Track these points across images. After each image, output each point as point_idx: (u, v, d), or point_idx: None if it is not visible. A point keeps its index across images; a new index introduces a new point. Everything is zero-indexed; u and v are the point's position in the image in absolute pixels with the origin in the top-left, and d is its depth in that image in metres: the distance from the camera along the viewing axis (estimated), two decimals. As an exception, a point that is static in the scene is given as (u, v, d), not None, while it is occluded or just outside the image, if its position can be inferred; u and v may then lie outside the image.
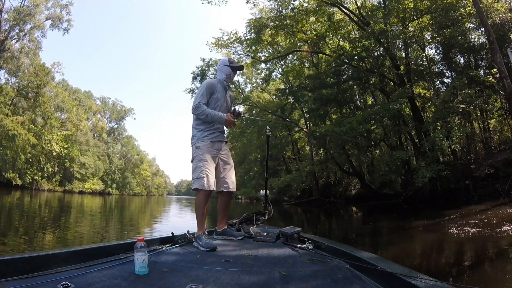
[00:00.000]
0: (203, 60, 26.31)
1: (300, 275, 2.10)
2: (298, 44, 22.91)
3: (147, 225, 12.55)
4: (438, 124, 14.72)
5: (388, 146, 20.70)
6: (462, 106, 13.46)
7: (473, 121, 17.32)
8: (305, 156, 32.21)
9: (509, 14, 14.66)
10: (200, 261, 2.48)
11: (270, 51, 24.96)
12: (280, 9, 20.07)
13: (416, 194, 15.35)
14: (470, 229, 7.58)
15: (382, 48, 17.24)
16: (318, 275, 2.10)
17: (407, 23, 16.36)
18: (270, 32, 22.03)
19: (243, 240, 3.53)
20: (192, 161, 3.47)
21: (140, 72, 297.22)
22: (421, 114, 17.31)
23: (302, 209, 22.24)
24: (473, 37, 15.93)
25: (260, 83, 30.51)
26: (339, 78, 19.30)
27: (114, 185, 66.91)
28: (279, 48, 24.66)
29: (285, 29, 20.96)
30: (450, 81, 16.89)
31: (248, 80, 30.56)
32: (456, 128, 13.40)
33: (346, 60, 18.52)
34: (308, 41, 21.31)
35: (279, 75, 28.74)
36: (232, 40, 22.91)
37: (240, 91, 29.37)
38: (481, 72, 15.06)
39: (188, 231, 3.30)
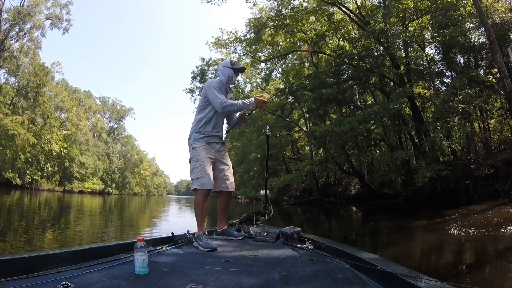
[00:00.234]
0: (203, 59, 26.31)
1: (300, 275, 2.10)
2: (298, 43, 22.90)
3: (147, 225, 12.55)
4: (438, 124, 14.72)
5: (388, 146, 20.71)
6: (462, 105, 13.45)
7: (473, 121, 17.32)
8: (305, 156, 32.22)
9: (509, 14, 14.66)
10: (200, 261, 2.48)
11: (270, 50, 24.94)
12: (280, 8, 20.06)
13: (416, 194, 15.34)
14: (470, 229, 7.59)
15: (382, 47, 17.23)
16: (318, 275, 2.10)
17: (407, 22, 16.35)
18: (270, 31, 22.01)
19: (243, 240, 3.53)
20: (189, 162, 3.49)
21: (140, 72, 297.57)
22: (421, 114, 17.30)
23: (301, 209, 22.23)
24: (473, 36, 15.95)
25: (260, 82, 30.49)
26: (339, 78, 19.29)
27: (113, 185, 66.92)
28: (279, 48, 24.65)
29: (285, 29, 20.94)
30: (450, 81, 16.91)
31: (247, 80, 30.57)
32: (456, 128, 13.40)
33: (346, 60, 18.50)
34: (308, 40, 21.30)
35: (279, 75, 28.75)
36: (231, 39, 22.90)
37: (240, 90, 29.35)
38: (481, 72, 15.05)
39: (188, 231, 3.30)
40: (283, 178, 29.47)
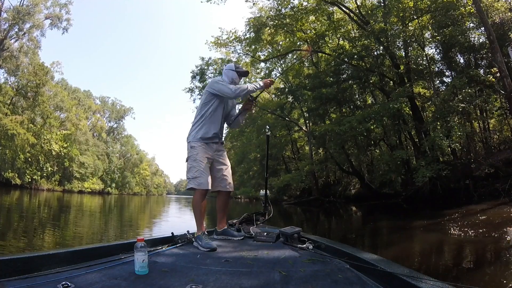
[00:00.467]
0: (202, 59, 26.34)
1: (300, 275, 2.10)
2: (298, 43, 22.90)
3: (147, 225, 12.55)
4: (438, 123, 14.73)
5: (388, 145, 20.70)
6: (462, 105, 13.44)
7: (473, 121, 17.32)
8: (304, 155, 32.21)
9: (509, 13, 14.66)
10: (200, 261, 2.48)
11: (270, 50, 24.95)
12: (280, 8, 20.05)
13: (416, 193, 15.34)
14: (470, 229, 7.59)
15: (382, 47, 17.23)
16: (318, 275, 2.10)
17: (407, 22, 16.35)
18: (269, 31, 22.02)
19: (243, 240, 3.53)
20: (187, 161, 3.48)
21: (139, 72, 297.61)
22: (421, 113, 17.30)
23: (301, 208, 22.23)
24: (473, 36, 15.95)
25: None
26: (338, 77, 19.29)
27: (113, 185, 66.89)
28: (279, 47, 24.65)
29: (285, 28, 20.95)
30: (450, 80, 16.91)
31: (247, 80, 30.53)
32: (456, 127, 13.40)
33: (346, 59, 18.50)
34: (308, 40, 21.29)
35: (278, 74, 28.73)
36: (231, 39, 22.91)
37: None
38: (481, 71, 15.05)
39: (188, 231, 3.30)
40: (282, 177, 29.44)
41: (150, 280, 1.93)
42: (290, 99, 23.80)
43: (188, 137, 3.56)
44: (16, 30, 37.56)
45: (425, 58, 17.23)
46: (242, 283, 1.93)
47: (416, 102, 17.18)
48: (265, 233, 3.59)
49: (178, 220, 14.90)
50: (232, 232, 3.63)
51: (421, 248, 7.00)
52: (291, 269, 2.26)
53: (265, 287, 1.90)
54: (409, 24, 16.45)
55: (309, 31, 21.37)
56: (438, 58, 17.91)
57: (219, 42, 23.44)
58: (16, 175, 39.74)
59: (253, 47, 23.32)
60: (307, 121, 26.98)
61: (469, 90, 13.55)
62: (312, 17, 20.56)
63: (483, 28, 13.95)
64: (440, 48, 17.23)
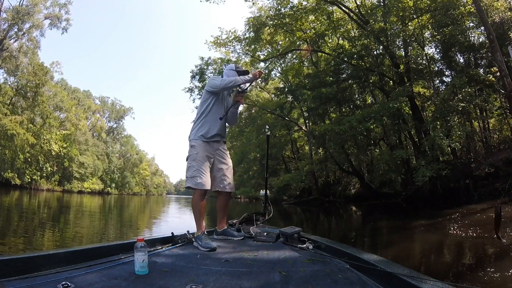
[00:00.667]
0: (202, 58, 26.36)
1: (300, 275, 2.10)
2: (297, 43, 22.91)
3: (147, 225, 12.54)
4: (438, 123, 14.74)
5: (388, 145, 20.70)
6: (462, 104, 13.44)
7: (473, 120, 17.33)
8: (304, 155, 32.21)
9: (509, 13, 14.66)
10: (200, 261, 2.48)
11: (269, 50, 24.95)
12: (279, 7, 20.04)
13: (416, 193, 15.34)
14: (470, 229, 7.59)
15: (381, 46, 17.23)
16: (318, 275, 2.10)
17: (407, 21, 16.35)
18: (269, 30, 22.01)
19: (243, 240, 3.53)
20: (187, 160, 3.48)
21: (139, 71, 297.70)
22: (420, 113, 17.30)
23: (301, 208, 22.22)
24: (473, 35, 15.95)
25: (259, 82, 30.47)
26: (338, 77, 19.29)
27: (113, 185, 66.93)
28: (278, 47, 24.66)
29: (284, 28, 20.94)
30: (449, 80, 16.90)
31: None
32: (456, 127, 13.41)
33: (346, 59, 18.51)
34: (308, 39, 21.30)
35: (278, 74, 28.75)
36: (231, 38, 22.91)
37: (239, 90, 29.30)
38: (481, 71, 15.05)
39: (188, 231, 3.30)
40: (282, 177, 29.43)
41: (150, 280, 1.92)
42: (289, 98, 23.80)
43: (189, 136, 3.56)
44: (16, 30, 37.59)
45: (425, 58, 17.22)
46: (242, 283, 1.93)
47: (416, 101, 17.19)
48: (265, 233, 3.58)
49: (177, 220, 14.90)
50: (232, 232, 3.62)
51: (421, 248, 7.00)
52: (291, 269, 2.26)
53: (265, 287, 1.90)
54: (409, 23, 16.45)
55: (308, 30, 21.37)
56: (438, 57, 17.92)
57: (218, 41, 23.45)
58: (16, 175, 39.76)
59: (252, 46, 23.32)
60: (307, 121, 26.97)
61: (469, 90, 13.55)
62: (311, 17, 20.56)
63: (483, 27, 13.96)
64: (440, 47, 17.23)
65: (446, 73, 17.93)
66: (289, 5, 19.69)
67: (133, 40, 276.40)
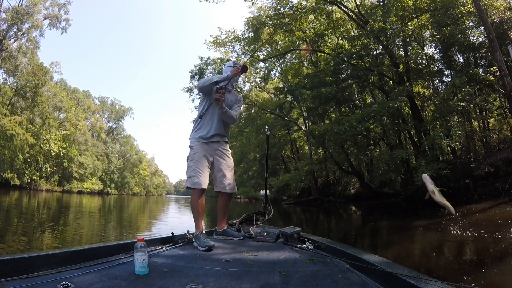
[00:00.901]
0: (201, 58, 26.39)
1: (300, 275, 2.10)
2: (297, 42, 22.92)
3: (146, 225, 12.54)
4: (438, 122, 14.74)
5: (388, 145, 20.69)
6: (461, 104, 13.44)
7: (473, 120, 17.33)
8: (304, 155, 32.24)
9: (508, 12, 14.66)
10: (200, 261, 2.48)
11: (269, 49, 24.96)
12: (279, 7, 20.02)
13: (416, 193, 15.30)
14: (470, 229, 7.58)
15: (381, 46, 17.23)
16: (318, 275, 2.10)
17: (406, 21, 16.36)
18: (268, 30, 22.01)
19: (243, 240, 3.53)
20: (187, 160, 3.51)
21: (138, 71, 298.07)
22: (420, 112, 17.29)
23: (301, 208, 22.23)
24: (472, 35, 15.96)
25: (259, 82, 30.51)
26: (338, 77, 19.29)
27: (113, 185, 66.95)
28: (278, 47, 24.66)
29: (284, 28, 20.93)
30: (449, 80, 16.91)
31: (246, 79, 30.57)
32: (456, 126, 13.42)
33: (345, 59, 18.51)
34: (307, 39, 21.30)
35: (277, 74, 28.76)
36: (230, 38, 22.92)
37: (239, 90, 29.39)
38: (480, 70, 15.06)
39: (188, 231, 3.29)
40: (282, 177, 29.44)
41: (150, 280, 1.92)
42: (289, 98, 23.81)
43: (189, 137, 3.58)
44: (15, 30, 37.56)
45: (424, 57, 17.21)
46: (242, 283, 1.93)
47: (416, 101, 17.18)
48: (265, 233, 3.59)
49: (177, 220, 14.90)
50: (232, 232, 3.62)
51: (421, 248, 7.00)
52: (291, 269, 2.26)
53: (265, 287, 1.90)
54: (409, 23, 16.46)
55: (308, 30, 21.38)
56: (437, 57, 17.91)
57: (218, 41, 23.46)
58: (15, 175, 39.74)
59: (252, 46, 23.31)
60: (307, 121, 26.99)
61: (469, 89, 13.56)
62: (311, 17, 20.57)
63: (483, 27, 13.95)
64: (439, 47, 17.23)
65: (446, 72, 17.93)
66: (288, 5, 19.68)
67: (132, 40, 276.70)
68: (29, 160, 41.50)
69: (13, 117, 37.79)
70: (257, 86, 32.07)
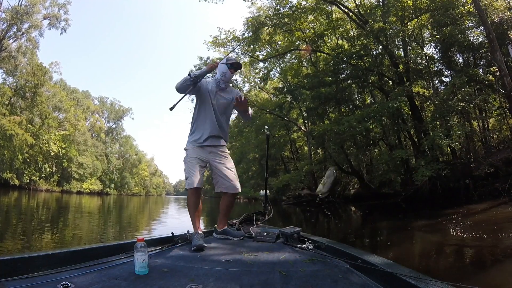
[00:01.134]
0: (201, 58, 26.35)
1: (300, 275, 2.10)
2: (297, 42, 22.92)
3: (146, 225, 12.53)
4: (437, 123, 14.76)
5: (387, 145, 20.69)
6: (461, 104, 13.45)
7: (472, 120, 17.34)
8: (303, 155, 32.24)
9: (508, 12, 14.68)
10: (200, 261, 2.48)
11: (268, 50, 24.96)
12: (278, 7, 20.02)
13: (416, 193, 15.34)
14: (470, 229, 7.59)
15: (381, 46, 17.23)
16: (318, 275, 2.10)
17: (406, 21, 16.36)
18: (268, 30, 22.00)
19: (243, 240, 3.52)
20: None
21: (138, 71, 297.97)
22: (420, 113, 17.30)
23: (300, 208, 22.21)
24: (472, 35, 15.98)
25: (259, 82, 30.51)
26: (337, 77, 19.29)
27: (112, 185, 66.93)
28: (277, 47, 24.66)
29: (283, 28, 20.93)
30: (449, 80, 16.91)
31: (246, 79, 30.58)
32: (456, 127, 13.43)
33: (345, 59, 18.52)
34: (307, 39, 21.31)
35: (277, 74, 28.76)
36: (229, 38, 22.87)
37: (238, 90, 29.35)
38: (480, 71, 15.07)
39: (188, 231, 3.29)
40: (282, 178, 29.43)
41: (150, 280, 1.92)
42: (288, 98, 23.80)
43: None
44: (15, 30, 37.53)
45: (424, 58, 17.22)
46: (242, 283, 1.93)
47: (415, 101, 17.19)
48: (265, 233, 3.58)
49: (177, 221, 14.88)
50: (231, 232, 3.61)
51: (421, 248, 7.00)
52: (291, 269, 2.26)
53: (265, 287, 1.90)
54: (408, 23, 16.47)
55: (307, 30, 21.38)
56: (437, 57, 17.92)
57: (217, 41, 23.42)
58: (15, 175, 39.72)
59: (251, 46, 23.30)
60: (306, 121, 27.00)
61: (468, 89, 13.57)
62: (310, 17, 20.57)
63: (482, 27, 13.98)
64: (439, 47, 17.24)
65: (446, 73, 17.95)
66: (288, 5, 19.67)
67: (132, 39, 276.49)
68: (28, 160, 41.47)
69: (13, 117, 37.76)
70: (257, 86, 32.08)
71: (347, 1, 19.28)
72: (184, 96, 3.49)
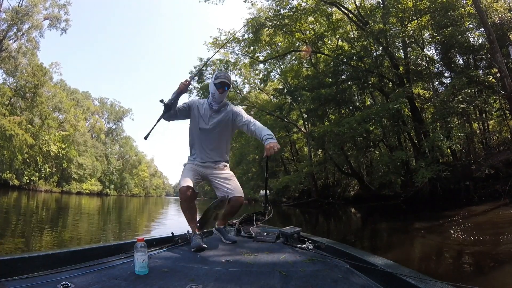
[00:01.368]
0: (201, 59, 26.34)
1: (300, 275, 2.09)
2: (297, 44, 22.93)
3: (146, 226, 12.53)
4: (438, 124, 14.76)
5: (387, 146, 20.69)
6: (462, 106, 13.46)
7: (472, 122, 17.35)
8: (303, 157, 32.22)
9: (508, 14, 14.71)
10: (200, 261, 2.47)
11: (268, 51, 24.97)
12: (278, 8, 20.04)
13: (416, 195, 15.33)
14: (471, 231, 7.58)
15: (381, 48, 17.25)
16: (318, 275, 2.10)
17: (406, 23, 16.38)
18: (268, 31, 22.02)
19: (243, 240, 3.52)
20: None
21: (138, 71, 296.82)
22: (420, 114, 17.30)
23: (300, 210, 22.21)
24: (472, 37, 16.00)
25: (259, 83, 30.50)
26: (337, 78, 19.29)
27: (112, 186, 66.91)
28: (277, 48, 24.67)
29: (284, 29, 20.94)
30: (449, 81, 16.92)
31: (246, 81, 30.57)
32: (456, 128, 13.44)
33: (345, 60, 18.53)
34: (307, 41, 21.32)
35: (277, 76, 28.75)
36: (230, 39, 22.89)
37: (238, 91, 29.39)
38: (480, 72, 15.09)
39: (188, 231, 3.28)
40: (281, 179, 29.39)
41: (150, 280, 1.92)
42: (288, 100, 23.79)
43: None
44: (15, 30, 37.54)
45: (424, 59, 17.23)
46: (242, 283, 1.93)
47: (416, 103, 17.19)
48: (265, 233, 3.58)
49: (176, 221, 14.87)
50: (225, 234, 3.47)
51: (421, 250, 6.99)
52: (291, 269, 2.26)
53: (265, 287, 1.89)
54: (408, 24, 16.48)
55: (308, 31, 21.40)
56: (437, 59, 17.93)
57: (217, 42, 23.44)
58: (14, 176, 39.69)
59: (251, 48, 23.32)
60: (306, 122, 26.98)
61: (469, 91, 13.58)
62: (311, 18, 20.59)
63: (483, 28, 14.00)
64: (439, 48, 17.24)
65: (446, 74, 17.96)
66: (288, 6, 19.69)
67: (132, 39, 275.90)
68: (28, 160, 41.46)
69: (13, 117, 37.75)
70: (257, 88, 32.07)
71: (348, 2, 19.29)
72: (157, 123, 3.34)
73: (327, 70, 20.45)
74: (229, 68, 26.35)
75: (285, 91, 23.68)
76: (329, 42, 22.43)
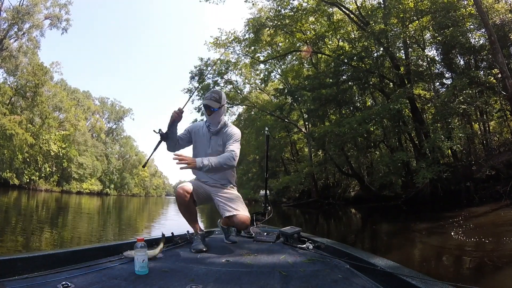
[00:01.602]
0: (201, 59, 26.38)
1: (300, 275, 2.09)
2: (297, 44, 22.94)
3: (146, 226, 12.53)
4: (438, 125, 14.74)
5: (388, 147, 20.68)
6: (462, 106, 13.44)
7: (473, 123, 17.33)
8: (304, 157, 32.19)
9: (509, 14, 14.70)
10: (200, 261, 2.47)
11: (269, 51, 24.97)
12: (279, 8, 20.05)
13: (417, 195, 15.31)
14: (471, 232, 7.57)
15: (382, 48, 17.24)
16: (318, 275, 2.10)
17: (407, 23, 16.37)
18: (269, 32, 22.03)
19: (243, 240, 3.51)
20: None
21: (138, 72, 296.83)
22: (421, 115, 17.27)
23: (300, 210, 22.20)
24: (473, 37, 15.98)
25: (259, 83, 30.50)
26: (338, 78, 19.27)
27: (112, 186, 66.95)
28: (278, 49, 24.68)
29: (284, 29, 20.95)
30: (450, 82, 16.90)
31: (246, 81, 30.58)
32: (457, 129, 13.42)
33: (346, 60, 18.52)
34: (307, 41, 21.32)
35: (278, 76, 28.76)
36: (230, 39, 22.92)
37: (239, 91, 29.39)
38: (481, 73, 15.07)
39: (188, 231, 3.28)
40: (282, 179, 29.40)
41: (150, 280, 1.91)
42: (289, 100, 23.79)
43: None
44: (16, 30, 37.60)
45: (425, 59, 17.21)
46: (242, 283, 1.92)
47: (416, 103, 17.16)
48: (265, 233, 3.58)
49: (176, 222, 14.85)
50: (228, 234, 3.48)
51: (421, 251, 6.98)
52: (291, 269, 2.25)
53: (265, 287, 1.89)
54: (409, 25, 16.47)
55: (308, 32, 21.40)
56: (438, 59, 17.91)
57: (218, 42, 23.45)
58: (14, 175, 39.71)
59: (252, 48, 23.33)
60: (307, 123, 26.96)
61: (470, 92, 13.56)
62: (311, 18, 20.61)
63: (484, 29, 13.99)
64: (440, 49, 17.22)
65: (447, 75, 17.94)
66: (289, 6, 19.70)
67: (133, 40, 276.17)
68: (28, 160, 41.51)
69: (13, 116, 37.78)
70: (257, 88, 32.06)
71: (348, 2, 19.29)
72: (153, 152, 3.27)
73: (327, 71, 20.44)
74: (229, 68, 26.38)
75: (286, 91, 23.67)
76: (330, 42, 22.43)
